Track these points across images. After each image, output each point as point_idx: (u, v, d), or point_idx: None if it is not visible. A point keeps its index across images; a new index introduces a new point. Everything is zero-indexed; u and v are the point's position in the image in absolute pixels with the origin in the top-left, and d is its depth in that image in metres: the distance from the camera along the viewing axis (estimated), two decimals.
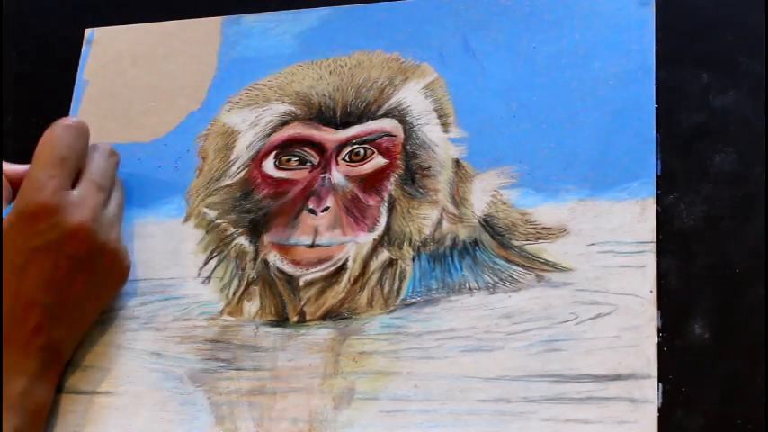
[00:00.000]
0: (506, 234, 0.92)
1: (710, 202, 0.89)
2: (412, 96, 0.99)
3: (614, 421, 0.83)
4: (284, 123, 1.02)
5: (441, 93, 0.99)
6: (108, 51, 1.11)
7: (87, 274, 0.92)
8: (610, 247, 0.89)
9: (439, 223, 0.94)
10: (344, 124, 1.00)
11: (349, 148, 0.99)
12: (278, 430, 0.90)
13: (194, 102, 1.06)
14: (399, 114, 0.99)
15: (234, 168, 1.01)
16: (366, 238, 0.95)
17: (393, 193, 0.96)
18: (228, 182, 1.01)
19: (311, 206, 0.97)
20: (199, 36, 1.09)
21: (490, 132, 0.96)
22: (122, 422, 0.93)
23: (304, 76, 1.03)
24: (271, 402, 0.91)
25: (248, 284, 0.96)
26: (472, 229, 0.93)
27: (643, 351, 0.85)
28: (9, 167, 0.97)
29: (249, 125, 1.03)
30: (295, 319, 0.94)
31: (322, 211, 0.96)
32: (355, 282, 0.94)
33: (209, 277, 0.98)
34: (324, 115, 1.01)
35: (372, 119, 0.99)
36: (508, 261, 0.91)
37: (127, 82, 1.09)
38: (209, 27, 1.09)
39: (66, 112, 1.08)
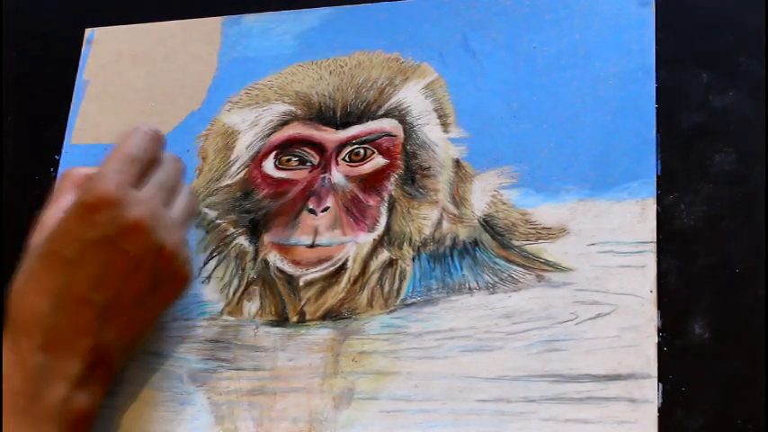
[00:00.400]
0: (506, 234, 0.92)
1: (710, 202, 0.89)
2: (412, 96, 0.99)
3: (614, 421, 0.83)
4: (284, 123, 1.02)
5: (441, 93, 0.99)
6: (108, 51, 1.11)
7: (143, 275, 0.86)
8: (610, 247, 0.89)
9: (439, 223, 0.94)
10: (344, 124, 1.00)
11: (349, 148, 0.99)
12: (278, 430, 0.90)
13: (194, 102, 1.06)
14: (399, 114, 0.99)
15: (234, 168, 1.01)
16: (366, 238, 0.95)
17: (393, 193, 0.96)
18: (228, 182, 1.01)
19: (311, 206, 0.97)
20: (199, 36, 1.09)
21: (490, 132, 0.96)
22: (122, 422, 0.93)
23: (304, 76, 1.03)
24: (271, 402, 0.91)
25: (248, 284, 0.96)
26: (472, 229, 0.93)
27: (643, 351, 0.85)
28: (80, 170, 0.92)
29: (249, 125, 1.03)
30: (295, 319, 0.94)
31: (322, 211, 0.96)
32: (355, 282, 0.94)
33: (209, 277, 0.98)
34: (324, 115, 1.01)
35: (372, 119, 0.99)
36: (508, 261, 0.91)
37: (127, 82, 1.09)
38: (209, 27, 1.09)
39: (66, 112, 1.08)
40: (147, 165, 0.90)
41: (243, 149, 1.02)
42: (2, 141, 1.10)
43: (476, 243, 0.92)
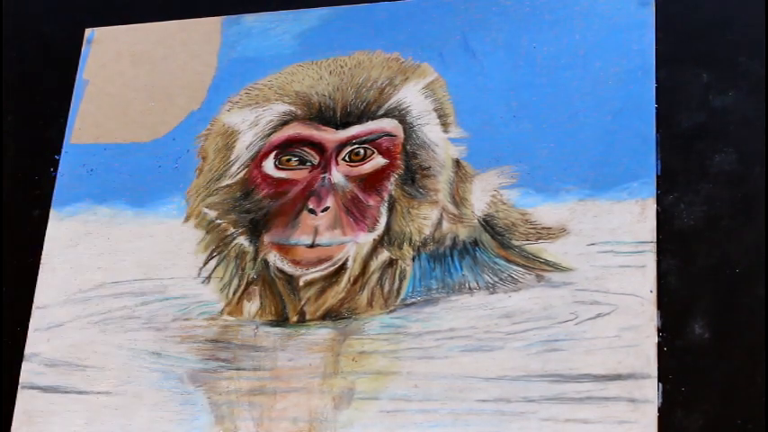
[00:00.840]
0: (506, 234, 0.92)
1: (710, 202, 0.89)
2: (412, 96, 0.99)
3: (614, 421, 0.83)
4: (284, 123, 1.02)
5: (441, 93, 0.99)
6: (108, 51, 1.11)
7: None
8: (610, 247, 0.89)
9: (439, 223, 0.94)
10: (344, 124, 1.00)
11: (349, 148, 0.99)
12: (278, 430, 0.90)
13: (194, 102, 1.06)
14: (399, 114, 0.99)
15: (234, 168, 1.01)
16: (366, 238, 0.95)
17: (393, 192, 0.96)
18: (228, 182, 1.01)
19: (311, 206, 0.97)
20: (199, 36, 1.09)
21: (490, 132, 0.96)
22: (122, 422, 0.93)
23: (304, 76, 1.03)
24: (271, 402, 0.91)
25: (248, 284, 0.96)
26: (472, 228, 0.93)
27: (643, 351, 0.85)
28: None
29: (249, 125, 1.03)
30: (295, 318, 0.94)
31: (322, 211, 0.96)
32: (355, 282, 0.94)
33: (209, 277, 0.98)
34: (324, 115, 1.00)
35: (372, 119, 0.99)
36: (508, 261, 0.91)
37: (126, 82, 1.09)
38: (209, 27, 1.09)
39: (66, 112, 1.08)
40: None
41: (243, 149, 1.02)
42: (2, 141, 1.10)
43: (476, 243, 0.92)
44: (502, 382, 0.87)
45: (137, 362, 0.95)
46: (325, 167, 0.98)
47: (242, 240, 0.98)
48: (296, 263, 0.96)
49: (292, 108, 1.02)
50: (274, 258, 0.96)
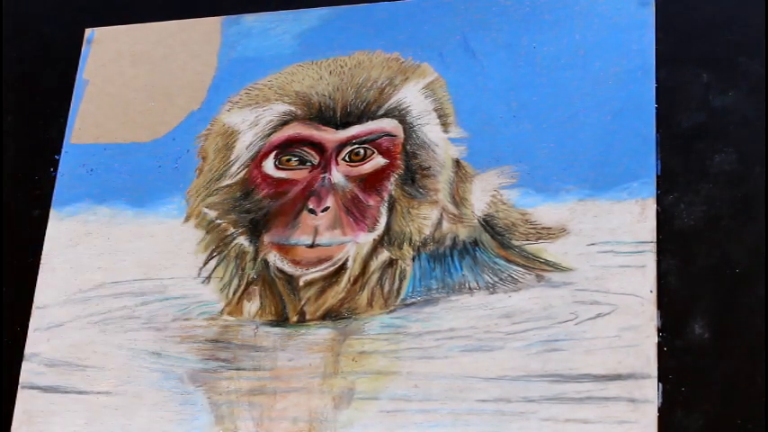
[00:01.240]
0: (506, 234, 0.92)
1: (710, 202, 0.89)
2: (412, 96, 0.99)
3: (614, 421, 0.83)
4: (284, 123, 1.02)
5: (441, 93, 0.99)
6: (108, 51, 1.11)
7: None
8: (610, 247, 0.89)
9: (439, 223, 0.94)
10: (344, 124, 1.00)
11: (349, 148, 0.99)
12: (278, 430, 0.90)
13: (194, 102, 1.06)
14: (399, 114, 0.99)
15: (234, 168, 1.01)
16: (366, 238, 0.95)
17: (393, 192, 0.96)
18: (228, 182, 1.01)
19: (311, 206, 0.97)
20: (199, 36, 1.09)
21: (490, 132, 0.96)
22: (122, 422, 0.93)
23: (304, 76, 1.03)
24: (271, 402, 0.91)
25: (248, 284, 0.96)
26: (472, 228, 0.93)
27: (643, 351, 0.85)
28: None
29: (249, 125, 1.03)
30: (295, 318, 0.94)
31: (322, 211, 0.96)
32: (355, 282, 0.94)
33: (209, 277, 0.98)
34: (324, 115, 1.00)
35: (372, 119, 0.99)
36: (508, 261, 0.91)
37: (126, 82, 1.09)
38: (209, 27, 1.09)
39: (66, 112, 1.08)
40: None
41: (243, 149, 1.02)
42: (2, 141, 1.10)
43: (476, 243, 0.92)
44: (502, 382, 0.87)
45: (137, 362, 0.95)
46: (325, 167, 0.98)
47: (242, 240, 0.98)
48: (296, 263, 0.96)
49: (292, 108, 1.02)
50: (274, 258, 0.96)
